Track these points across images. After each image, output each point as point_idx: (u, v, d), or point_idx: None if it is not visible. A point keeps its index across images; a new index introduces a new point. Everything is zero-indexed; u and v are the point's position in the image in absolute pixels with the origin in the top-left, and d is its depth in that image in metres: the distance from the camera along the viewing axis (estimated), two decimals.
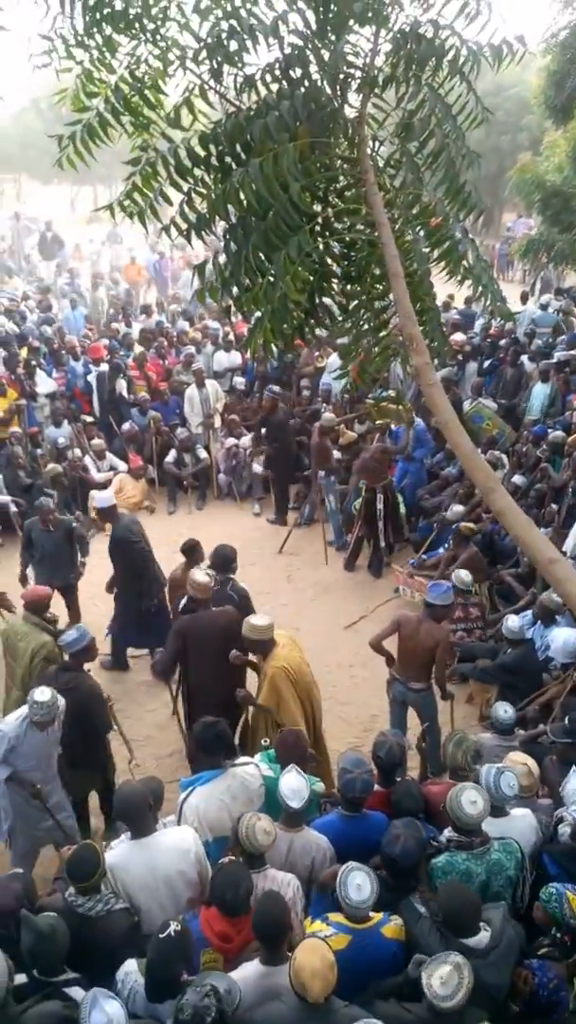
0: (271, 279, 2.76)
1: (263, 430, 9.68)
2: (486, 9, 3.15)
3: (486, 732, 5.40)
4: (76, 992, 2.76)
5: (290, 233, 2.75)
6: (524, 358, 10.03)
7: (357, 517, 8.49)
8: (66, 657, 4.79)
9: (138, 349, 11.32)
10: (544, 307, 12.27)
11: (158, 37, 3.41)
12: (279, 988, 2.72)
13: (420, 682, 5.29)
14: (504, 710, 4.57)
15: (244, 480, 10.12)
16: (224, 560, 5.86)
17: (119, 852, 3.35)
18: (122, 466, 9.87)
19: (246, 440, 10.12)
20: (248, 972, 2.84)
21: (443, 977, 2.50)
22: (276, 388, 9.86)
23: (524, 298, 12.40)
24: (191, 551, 6.51)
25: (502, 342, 10.42)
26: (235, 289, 3.05)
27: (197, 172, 3.21)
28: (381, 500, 8.16)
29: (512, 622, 5.52)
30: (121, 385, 10.56)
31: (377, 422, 8.89)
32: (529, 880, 3.35)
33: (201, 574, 5.32)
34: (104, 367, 10.66)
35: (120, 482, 9.73)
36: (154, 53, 3.38)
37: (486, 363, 10.33)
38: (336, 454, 9.00)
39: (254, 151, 2.92)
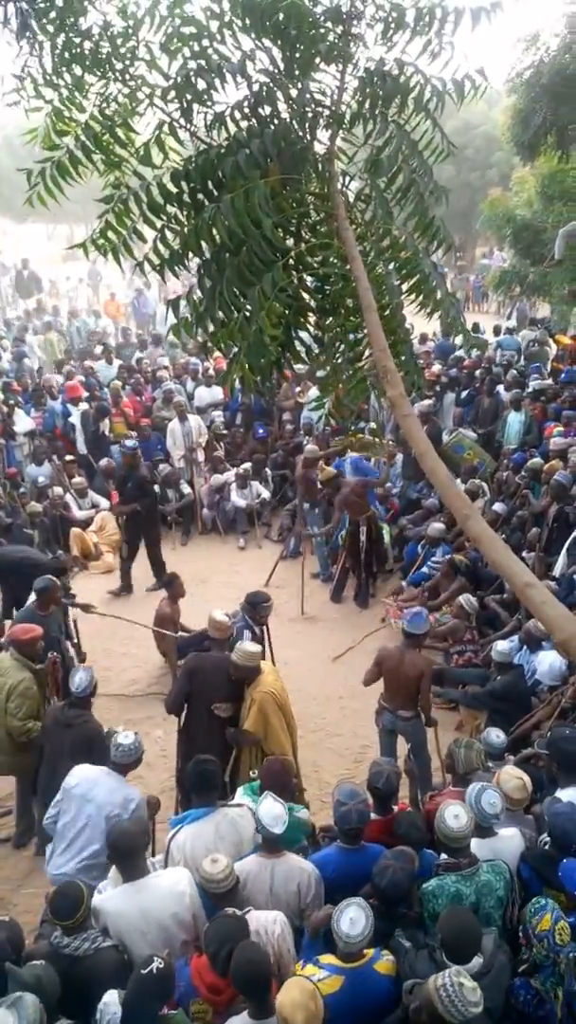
0: (246, 314, 2.76)
1: (128, 485, 8.70)
2: (448, 47, 3.22)
3: None
4: None
5: (264, 268, 2.76)
6: (500, 387, 10.14)
7: (341, 549, 8.47)
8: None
9: (114, 385, 11.34)
10: (510, 331, 12.50)
11: (127, 76, 3.45)
12: None
13: (408, 710, 5.31)
14: (496, 735, 4.53)
15: (228, 514, 10.07)
16: (251, 601, 5.67)
17: (111, 896, 3.26)
18: (104, 503, 9.81)
19: (230, 475, 10.10)
20: None
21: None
22: (131, 447, 9.02)
23: (497, 331, 12.64)
24: (169, 584, 6.67)
25: (477, 372, 10.54)
26: (210, 324, 3.05)
27: (170, 209, 3.21)
28: (364, 532, 8.16)
29: (502, 646, 5.51)
30: (105, 425, 10.55)
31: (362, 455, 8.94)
32: (519, 901, 3.31)
33: (220, 613, 5.22)
34: (84, 406, 10.65)
35: (102, 520, 9.67)
36: (124, 92, 3.42)
37: (463, 393, 10.42)
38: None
39: (226, 187, 2.94)
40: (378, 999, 2.91)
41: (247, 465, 10.04)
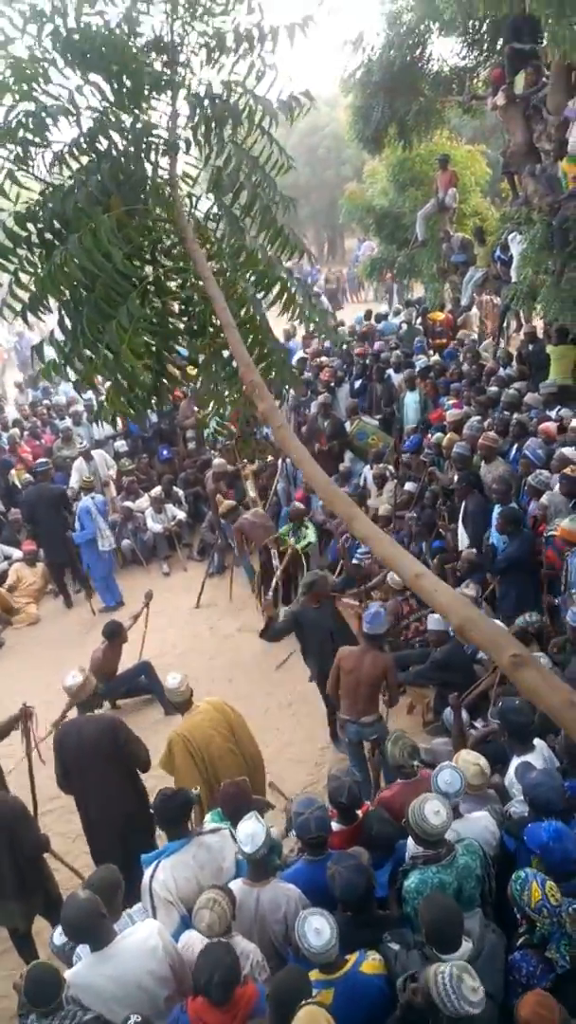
0: (109, 350, 2.75)
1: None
2: (272, 68, 3.32)
3: (435, 738, 5.48)
4: None
5: (121, 300, 2.75)
6: (390, 371, 10.42)
7: (255, 581, 8.11)
8: None
9: (7, 433, 11.09)
10: (384, 316, 12.88)
11: None
12: None
13: (370, 714, 5.22)
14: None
15: (147, 542, 9.93)
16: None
17: (80, 971, 3.08)
18: (16, 554, 9.51)
19: (142, 502, 9.97)
20: None
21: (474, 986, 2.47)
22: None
23: (378, 318, 12.95)
24: (113, 634, 6.51)
25: (367, 360, 10.77)
26: (78, 363, 3.02)
27: (20, 252, 3.15)
28: (276, 555, 7.74)
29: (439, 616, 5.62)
30: (12, 476, 10.27)
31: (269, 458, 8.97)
32: (493, 874, 3.36)
33: (68, 678, 4.67)
34: None
35: (16, 572, 9.36)
36: None
37: (357, 383, 10.63)
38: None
39: (72, 226, 2.92)
40: (372, 1001, 2.88)
41: (158, 489, 9.95)
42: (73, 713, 4.90)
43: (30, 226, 3.18)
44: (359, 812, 3.85)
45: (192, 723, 4.58)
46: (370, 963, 2.94)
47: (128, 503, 9.92)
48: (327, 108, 21.50)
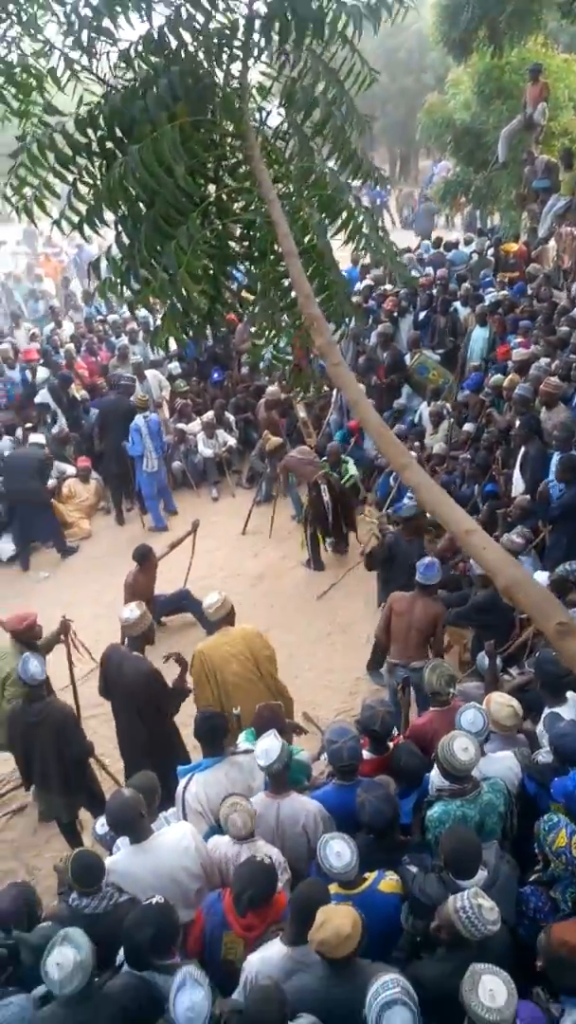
0: (167, 272, 2.65)
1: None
2: None
3: (470, 680, 5.51)
4: None
5: (181, 219, 2.63)
6: (457, 304, 9.96)
7: (305, 518, 8.01)
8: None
9: (66, 347, 11.11)
10: (455, 245, 12.17)
11: (24, 16, 3.17)
12: (305, 967, 2.74)
13: (420, 660, 5.23)
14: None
15: (197, 466, 9.99)
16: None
17: (121, 859, 3.36)
18: (70, 470, 9.68)
19: (194, 425, 9.97)
20: (272, 953, 2.86)
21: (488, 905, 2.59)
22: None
23: (447, 247, 12.30)
24: (144, 557, 6.53)
25: (434, 291, 10.30)
26: (134, 283, 2.93)
27: (80, 160, 3.02)
28: (326, 491, 7.67)
29: None
30: (72, 391, 10.36)
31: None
32: (516, 812, 3.46)
33: (126, 611, 4.79)
34: (42, 372, 10.46)
35: (70, 488, 9.56)
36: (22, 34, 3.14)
37: (420, 315, 10.22)
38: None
39: (134, 135, 2.77)
40: (388, 917, 3.03)
41: (210, 414, 9.91)
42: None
43: (91, 133, 3.04)
44: (390, 743, 3.95)
45: (213, 643, 4.71)
46: (388, 882, 3.09)
47: (181, 425, 9.95)
48: (411, 5, 19.81)
